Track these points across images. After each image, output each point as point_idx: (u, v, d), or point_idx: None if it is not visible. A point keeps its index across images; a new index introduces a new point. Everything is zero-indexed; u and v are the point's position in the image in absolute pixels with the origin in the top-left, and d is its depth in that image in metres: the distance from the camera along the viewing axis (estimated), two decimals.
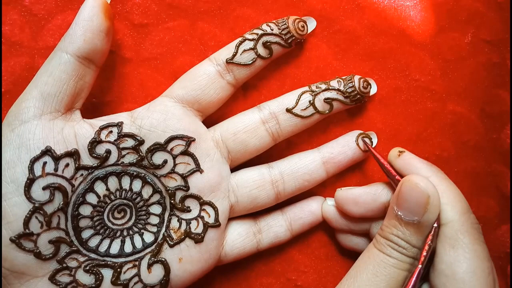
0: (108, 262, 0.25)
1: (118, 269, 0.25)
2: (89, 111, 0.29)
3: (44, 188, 0.23)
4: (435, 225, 0.23)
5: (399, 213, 0.23)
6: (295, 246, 0.31)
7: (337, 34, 0.30)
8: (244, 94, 0.29)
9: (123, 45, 0.29)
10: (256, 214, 0.29)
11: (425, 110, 0.30)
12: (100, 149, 0.25)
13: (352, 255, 0.30)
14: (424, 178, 0.23)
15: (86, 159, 0.24)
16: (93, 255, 0.25)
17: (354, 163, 0.29)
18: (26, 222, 0.23)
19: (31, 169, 0.23)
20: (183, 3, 0.29)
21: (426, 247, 0.23)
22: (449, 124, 0.31)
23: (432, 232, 0.23)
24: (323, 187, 0.30)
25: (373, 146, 0.30)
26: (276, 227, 0.29)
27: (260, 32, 0.27)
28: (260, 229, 0.29)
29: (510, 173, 0.30)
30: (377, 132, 0.30)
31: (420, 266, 0.23)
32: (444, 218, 0.23)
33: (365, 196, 0.27)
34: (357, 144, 0.29)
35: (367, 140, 0.29)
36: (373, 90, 0.30)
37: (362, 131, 0.29)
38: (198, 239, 0.26)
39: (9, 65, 0.28)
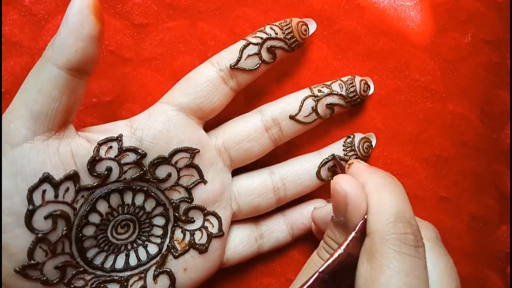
0: (115, 277, 0.24)
1: (125, 283, 0.24)
2: (89, 111, 0.29)
3: (46, 217, 0.22)
4: (361, 222, 0.21)
5: (332, 214, 0.23)
6: (295, 246, 0.31)
7: (337, 34, 0.30)
8: (243, 93, 0.29)
9: (123, 45, 0.29)
10: (257, 216, 0.29)
11: (425, 110, 0.30)
12: (101, 167, 0.23)
13: None
14: (347, 178, 0.22)
15: (86, 178, 0.23)
16: (99, 272, 0.24)
17: None
18: (31, 253, 0.22)
19: (30, 199, 0.21)
20: (183, 3, 0.29)
21: (352, 234, 0.21)
22: (449, 124, 0.31)
23: (361, 222, 0.21)
24: (323, 188, 0.30)
25: (372, 148, 0.30)
26: (278, 232, 0.29)
27: (264, 36, 0.26)
28: (261, 234, 0.29)
29: (510, 173, 0.30)
30: (377, 132, 0.30)
31: (340, 250, 0.21)
32: (368, 229, 0.21)
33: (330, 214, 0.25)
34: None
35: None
36: (371, 91, 0.30)
37: (363, 136, 0.29)
38: (202, 249, 0.26)
39: (9, 65, 0.28)
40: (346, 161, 0.28)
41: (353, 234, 0.21)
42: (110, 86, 0.29)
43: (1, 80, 0.28)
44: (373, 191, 0.21)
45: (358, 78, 0.29)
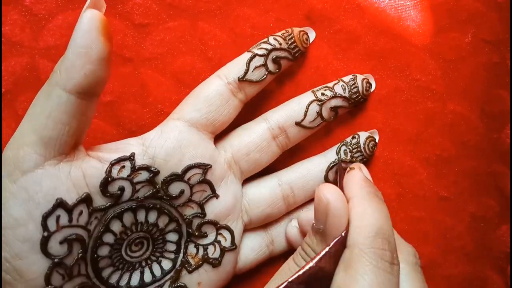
0: None
1: None
2: None
3: (61, 242, 0.22)
4: (342, 234, 0.21)
5: (313, 220, 0.23)
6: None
7: (337, 34, 0.30)
8: None
9: (124, 45, 0.29)
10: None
11: (426, 110, 0.30)
12: (113, 187, 0.23)
13: None
14: (331, 187, 0.22)
15: (99, 199, 0.23)
16: None
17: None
18: (48, 278, 0.21)
19: (44, 225, 0.21)
20: (184, 3, 0.29)
21: (326, 248, 0.21)
22: (450, 124, 0.31)
23: (335, 240, 0.21)
24: None
25: (376, 144, 0.30)
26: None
27: (269, 47, 0.27)
28: (272, 240, 0.29)
29: (510, 173, 0.30)
30: (378, 132, 0.30)
31: (311, 263, 0.21)
32: (348, 241, 0.21)
33: None
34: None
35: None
36: (373, 88, 0.30)
37: (368, 135, 0.30)
38: (216, 263, 0.26)
39: (9, 65, 0.28)
40: (350, 162, 0.28)
41: (326, 249, 0.21)
42: (110, 86, 0.29)
43: (1, 80, 0.28)
44: (359, 206, 0.22)
45: (360, 77, 0.29)
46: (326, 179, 0.28)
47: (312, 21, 0.30)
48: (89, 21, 0.20)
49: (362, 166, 0.25)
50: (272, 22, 0.29)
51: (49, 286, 0.21)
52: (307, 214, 0.27)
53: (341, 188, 0.24)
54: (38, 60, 0.28)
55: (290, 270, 0.23)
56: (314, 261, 0.21)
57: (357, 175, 0.24)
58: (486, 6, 0.30)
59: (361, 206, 0.22)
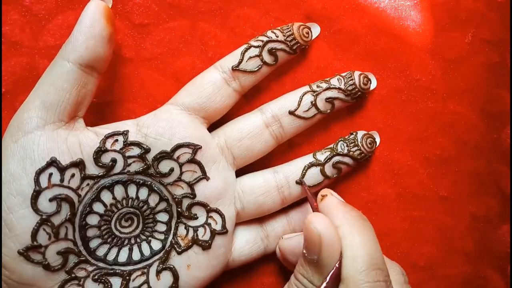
0: (117, 271, 0.25)
1: (127, 277, 0.25)
2: (90, 111, 0.28)
3: (50, 200, 0.23)
4: (337, 265, 0.22)
5: (304, 251, 0.23)
6: None
7: (337, 33, 0.30)
8: (244, 94, 0.29)
9: (124, 45, 0.29)
10: (261, 218, 0.29)
11: (426, 109, 0.30)
12: (106, 158, 0.24)
13: None
14: (322, 218, 0.22)
15: (92, 168, 0.24)
16: (101, 264, 0.24)
17: (356, 166, 0.29)
18: (34, 234, 0.22)
19: (37, 180, 0.22)
20: (184, 3, 0.29)
21: (324, 284, 0.22)
22: (450, 124, 0.31)
23: (331, 273, 0.22)
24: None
25: (376, 145, 0.30)
26: (282, 233, 0.29)
27: (265, 39, 0.27)
28: (267, 235, 0.29)
29: (511, 173, 0.30)
30: (378, 132, 0.30)
31: None
32: (343, 274, 0.22)
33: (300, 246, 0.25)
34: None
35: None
36: (373, 85, 0.30)
37: (366, 132, 0.30)
38: (206, 246, 0.26)
39: (9, 65, 0.28)
40: (349, 156, 0.28)
41: (324, 284, 0.22)
42: (110, 86, 0.29)
43: (1, 80, 0.28)
44: (348, 234, 0.22)
45: (357, 73, 0.29)
46: (323, 173, 0.28)
47: (312, 21, 0.30)
48: (95, 6, 0.24)
49: (331, 191, 0.26)
50: (272, 22, 0.29)
51: (35, 243, 0.22)
52: (289, 242, 0.27)
53: (315, 210, 0.25)
54: (38, 60, 0.28)
55: None
56: (325, 283, 0.22)
57: (334, 201, 0.25)
58: (486, 6, 0.30)
59: (350, 234, 0.22)
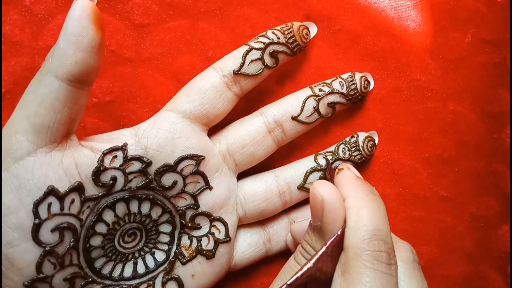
0: (123, 286, 0.24)
1: None
2: (90, 111, 0.28)
3: (52, 230, 0.22)
4: (338, 232, 0.21)
5: (310, 218, 0.23)
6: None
7: (337, 33, 0.30)
8: (244, 95, 0.29)
9: (124, 45, 0.29)
10: (263, 220, 0.29)
11: (426, 109, 0.30)
12: (105, 177, 0.23)
13: None
14: (325, 184, 0.22)
15: (91, 188, 0.23)
16: (108, 282, 0.24)
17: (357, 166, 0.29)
18: (39, 267, 0.21)
19: (36, 213, 0.21)
20: (184, 3, 0.29)
21: (323, 248, 0.21)
22: (450, 124, 0.31)
23: (332, 239, 0.21)
24: None
25: (375, 144, 0.30)
26: (285, 235, 0.29)
27: (266, 41, 0.26)
28: (270, 238, 0.29)
29: (511, 173, 0.30)
30: (378, 132, 0.30)
31: (309, 264, 0.21)
32: (345, 243, 0.21)
33: None
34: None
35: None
36: (371, 86, 0.30)
37: (367, 134, 0.30)
38: (210, 255, 0.26)
39: (9, 65, 0.28)
40: (350, 161, 0.28)
41: (323, 249, 0.21)
42: (110, 86, 0.29)
43: (1, 80, 0.28)
44: (353, 206, 0.22)
45: (358, 75, 0.29)
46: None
47: (312, 21, 0.30)
48: (81, 9, 0.21)
49: (350, 165, 0.25)
50: (272, 22, 0.29)
51: (40, 275, 0.21)
52: (300, 225, 0.27)
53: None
54: (38, 60, 0.28)
55: (292, 269, 0.23)
56: (312, 261, 0.21)
57: (347, 174, 0.24)
58: (486, 6, 0.30)
59: (356, 206, 0.22)
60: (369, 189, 0.23)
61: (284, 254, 0.31)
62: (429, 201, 0.31)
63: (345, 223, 0.21)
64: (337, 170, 0.25)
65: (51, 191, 0.21)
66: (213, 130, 0.28)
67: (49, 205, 0.21)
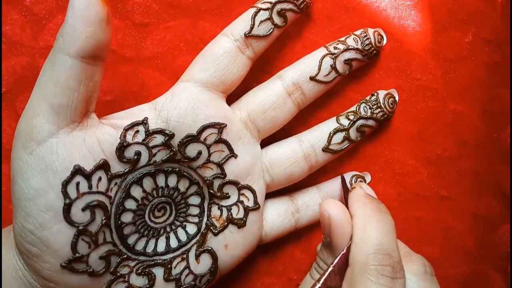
0: (158, 261, 0.25)
1: (169, 266, 0.25)
2: None
3: (83, 209, 0.22)
4: (344, 250, 0.22)
5: (322, 235, 0.24)
6: (297, 245, 0.31)
7: (337, 33, 0.30)
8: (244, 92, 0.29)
9: (124, 45, 0.29)
10: (291, 190, 0.29)
11: (426, 109, 0.30)
12: (129, 152, 0.23)
13: None
14: (332, 202, 0.23)
15: (116, 165, 0.23)
16: (142, 258, 0.24)
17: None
18: (74, 246, 0.22)
19: (65, 193, 0.21)
20: (184, 2, 0.29)
21: (330, 268, 0.22)
22: (450, 124, 0.31)
23: (340, 256, 0.22)
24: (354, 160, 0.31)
25: (396, 102, 0.30)
26: (314, 206, 0.29)
27: (273, 0, 0.26)
28: (298, 208, 0.29)
29: (511, 173, 0.30)
30: (378, 132, 0.30)
31: (318, 284, 0.22)
32: (350, 259, 0.22)
33: None
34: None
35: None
36: (385, 41, 0.30)
37: (387, 91, 0.29)
38: (241, 224, 0.26)
39: (10, 64, 0.28)
40: (372, 118, 0.28)
41: (331, 268, 0.22)
42: (110, 86, 0.29)
43: (1, 80, 0.28)
44: (360, 223, 0.22)
45: (371, 30, 0.29)
46: (348, 137, 0.28)
47: (312, 19, 0.30)
48: None
49: (364, 184, 0.26)
50: None
51: (76, 254, 0.22)
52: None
53: (346, 203, 0.25)
54: (38, 60, 0.28)
55: (308, 285, 0.23)
56: (321, 281, 0.22)
57: (359, 192, 0.24)
58: (486, 5, 0.30)
59: (362, 222, 0.22)
60: (377, 206, 0.23)
61: (285, 253, 0.31)
62: (429, 201, 0.31)
63: (351, 239, 0.22)
64: (350, 188, 0.25)
65: (77, 170, 0.22)
66: (232, 97, 0.27)
67: (77, 184, 0.22)
